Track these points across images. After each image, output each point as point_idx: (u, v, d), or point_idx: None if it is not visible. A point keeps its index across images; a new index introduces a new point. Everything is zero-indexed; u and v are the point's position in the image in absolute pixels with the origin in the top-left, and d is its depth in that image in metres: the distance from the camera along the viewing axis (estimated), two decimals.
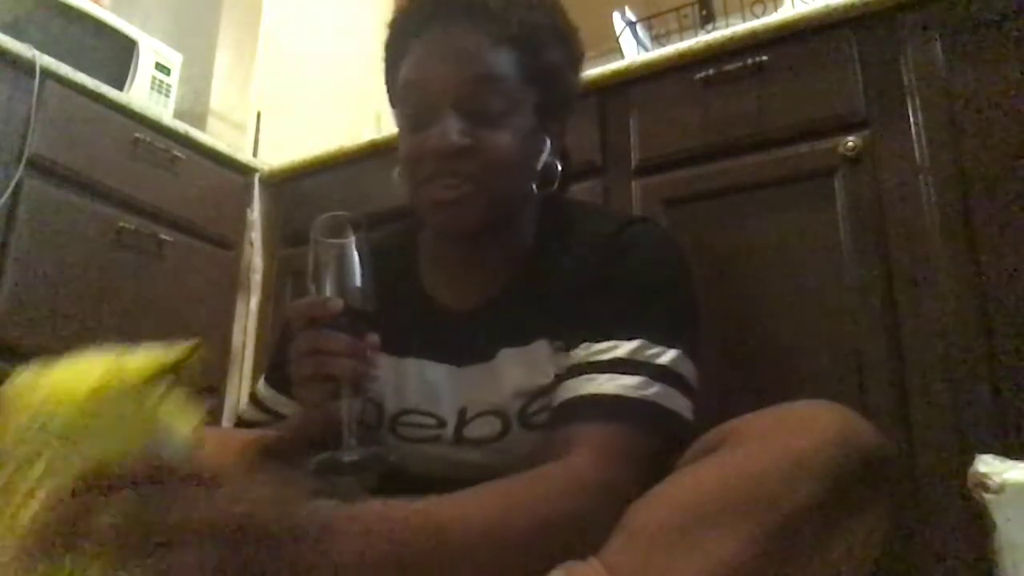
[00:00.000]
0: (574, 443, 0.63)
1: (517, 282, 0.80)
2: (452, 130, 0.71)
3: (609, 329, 0.70)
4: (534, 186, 0.80)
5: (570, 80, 0.83)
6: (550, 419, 0.71)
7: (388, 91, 0.85)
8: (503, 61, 0.74)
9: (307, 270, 0.66)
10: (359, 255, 0.66)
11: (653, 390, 0.66)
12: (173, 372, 0.47)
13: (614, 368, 0.67)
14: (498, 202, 0.75)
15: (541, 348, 0.76)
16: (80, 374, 0.46)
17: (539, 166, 0.79)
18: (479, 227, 0.75)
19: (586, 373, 0.68)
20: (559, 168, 0.81)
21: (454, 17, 0.75)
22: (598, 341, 0.69)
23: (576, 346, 0.71)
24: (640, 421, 0.65)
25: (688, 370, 0.70)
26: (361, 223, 0.67)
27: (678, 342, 0.69)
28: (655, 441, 0.65)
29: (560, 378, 0.71)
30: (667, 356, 0.68)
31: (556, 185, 0.81)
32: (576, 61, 0.83)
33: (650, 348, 0.68)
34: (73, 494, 0.41)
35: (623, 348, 0.68)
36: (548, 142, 0.80)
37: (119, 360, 0.46)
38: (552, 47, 0.79)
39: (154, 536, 0.40)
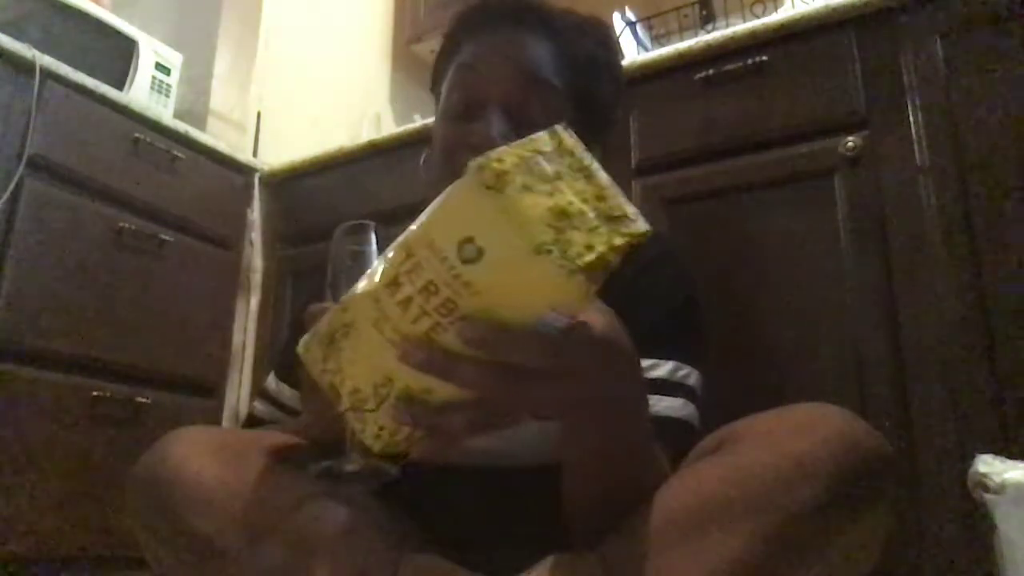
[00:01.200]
0: None
1: None
2: (496, 128, 0.74)
3: (647, 347, 0.72)
4: None
5: (610, 116, 0.86)
6: None
7: (435, 75, 0.87)
8: (558, 78, 0.77)
9: (326, 275, 0.65)
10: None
11: (688, 411, 0.72)
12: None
13: (659, 389, 0.72)
14: None
15: None
16: (530, 223, 0.41)
17: None
18: None
19: None
20: None
21: (524, 27, 0.78)
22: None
23: None
24: (679, 440, 0.69)
25: (703, 390, 0.75)
26: (382, 229, 0.67)
27: (699, 363, 0.75)
28: (679, 452, 0.68)
29: None
30: (694, 378, 0.74)
31: None
32: (619, 101, 0.87)
33: (682, 369, 0.73)
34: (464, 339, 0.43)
35: (662, 368, 0.73)
36: None
37: (573, 237, 0.42)
38: (605, 82, 0.82)
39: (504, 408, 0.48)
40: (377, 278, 0.46)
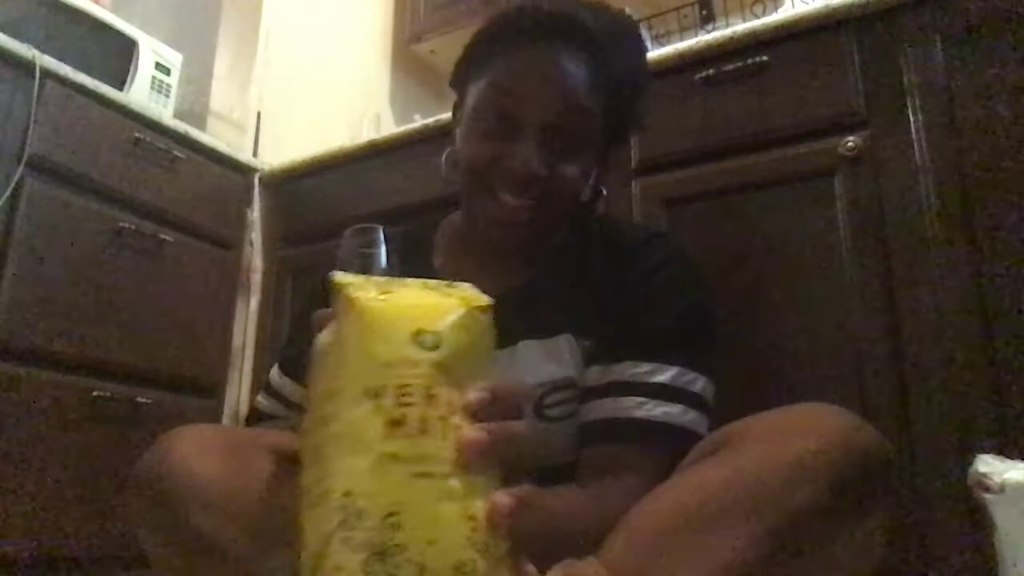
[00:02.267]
0: (628, 462, 0.70)
1: (542, 277, 0.81)
2: (535, 156, 0.72)
3: (652, 351, 0.74)
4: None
5: (638, 127, 0.85)
6: (596, 430, 0.74)
7: (461, 75, 0.83)
8: (596, 99, 0.75)
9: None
10: (387, 266, 0.65)
11: (689, 417, 0.71)
12: None
13: (659, 394, 0.72)
14: (550, 227, 0.78)
15: (565, 343, 0.77)
16: (438, 301, 0.47)
17: (585, 193, 0.82)
18: (528, 249, 0.78)
19: (634, 395, 0.72)
20: (602, 194, 0.84)
21: (564, 42, 0.75)
22: (641, 361, 0.73)
23: (617, 359, 0.74)
24: (678, 445, 0.69)
25: (711, 396, 0.75)
26: (390, 234, 0.67)
27: (706, 369, 0.75)
28: (679, 458, 0.68)
29: (601, 390, 0.74)
30: (699, 384, 0.73)
31: (596, 211, 0.85)
32: (649, 106, 0.85)
33: (687, 375, 0.73)
34: (476, 417, 0.43)
35: (665, 374, 0.72)
36: (595, 172, 0.82)
37: (454, 292, 0.48)
38: (639, 99, 0.81)
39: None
40: (371, 438, 0.41)
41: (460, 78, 0.84)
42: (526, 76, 0.75)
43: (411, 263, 0.83)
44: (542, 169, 0.73)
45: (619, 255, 0.80)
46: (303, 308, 0.69)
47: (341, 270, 0.65)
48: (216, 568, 0.61)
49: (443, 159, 0.84)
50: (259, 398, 0.91)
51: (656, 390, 0.72)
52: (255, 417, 0.88)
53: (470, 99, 0.80)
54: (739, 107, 1.26)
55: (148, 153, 1.61)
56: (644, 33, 1.92)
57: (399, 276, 0.65)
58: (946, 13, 1.12)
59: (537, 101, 0.73)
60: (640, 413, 0.71)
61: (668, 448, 0.69)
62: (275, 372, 0.89)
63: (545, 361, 0.77)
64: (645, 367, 0.73)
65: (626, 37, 0.80)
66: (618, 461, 0.70)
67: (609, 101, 0.77)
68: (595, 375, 0.75)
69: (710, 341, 0.78)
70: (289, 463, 0.68)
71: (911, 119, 1.12)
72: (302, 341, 0.66)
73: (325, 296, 0.64)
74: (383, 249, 0.65)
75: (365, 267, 0.65)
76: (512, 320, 0.77)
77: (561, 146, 0.74)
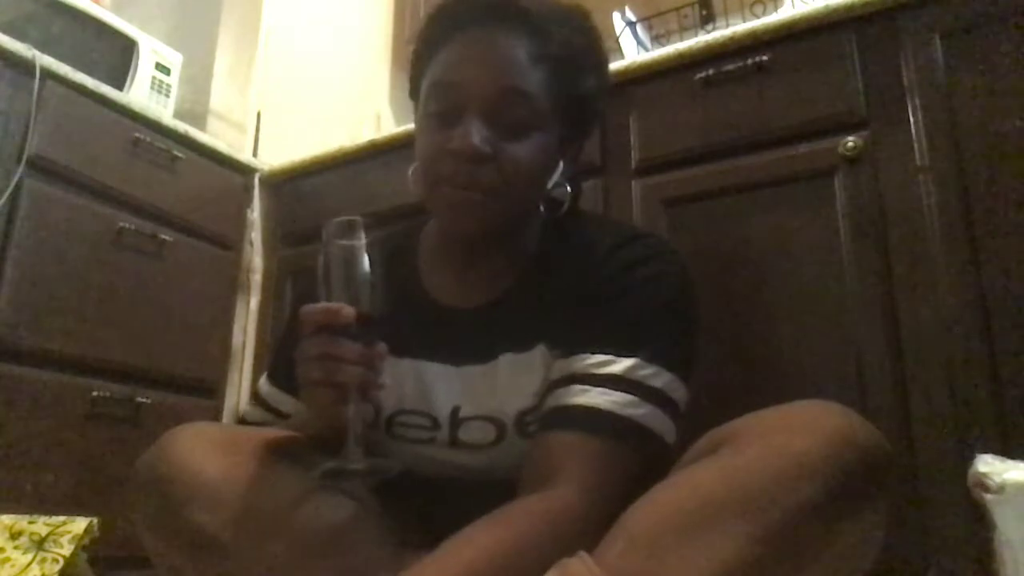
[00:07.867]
0: (561, 456, 0.65)
1: (520, 287, 0.80)
2: (475, 134, 0.70)
3: (607, 343, 0.70)
4: (541, 207, 0.80)
5: (595, 109, 0.82)
6: (539, 422, 0.72)
7: (412, 83, 0.83)
8: (537, 78, 0.73)
9: (317, 272, 0.65)
10: (369, 259, 0.65)
11: (642, 411, 0.67)
12: None
13: (608, 384, 0.68)
14: (507, 212, 0.75)
15: (539, 354, 0.75)
16: None
17: (549, 185, 0.79)
18: (485, 233, 0.75)
19: (580, 384, 0.69)
20: (569, 191, 0.81)
21: (498, 24, 0.74)
22: (595, 353, 0.70)
23: (573, 354, 0.71)
24: (625, 439, 0.66)
25: (679, 395, 0.70)
26: (372, 226, 0.66)
27: (673, 365, 0.70)
28: (634, 460, 0.66)
29: (554, 384, 0.72)
30: (661, 379, 0.69)
31: (564, 208, 0.81)
32: (604, 91, 0.82)
33: (645, 368, 0.69)
34: None
35: (619, 365, 0.68)
36: (561, 165, 0.79)
37: None
38: (586, 74, 0.78)
39: None
40: None
41: (414, 85, 0.83)
42: (462, 64, 0.74)
43: (396, 270, 0.83)
44: (483, 146, 0.70)
45: (597, 259, 0.76)
46: (292, 315, 0.69)
47: (325, 265, 0.65)
48: (217, 565, 0.61)
49: (409, 175, 0.81)
50: (247, 408, 0.90)
51: (605, 380, 0.68)
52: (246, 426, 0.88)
53: (420, 104, 0.79)
54: (739, 107, 1.26)
55: (148, 153, 1.61)
56: (644, 33, 1.92)
57: (384, 280, 0.65)
58: (946, 13, 1.12)
59: (474, 85, 0.72)
60: (580, 400, 0.67)
61: (618, 443, 0.66)
62: (263, 382, 0.88)
63: (523, 376, 0.75)
64: (597, 358, 0.69)
65: (569, 18, 0.77)
66: (552, 453, 0.66)
67: (553, 79, 0.74)
68: (555, 371, 0.73)
69: (683, 340, 0.74)
70: (288, 460, 0.69)
71: (911, 119, 1.12)
72: (290, 349, 0.66)
73: (313, 298, 0.65)
74: (364, 243, 0.65)
75: (349, 260, 0.64)
76: (492, 334, 0.77)
77: (507, 126, 0.72)
